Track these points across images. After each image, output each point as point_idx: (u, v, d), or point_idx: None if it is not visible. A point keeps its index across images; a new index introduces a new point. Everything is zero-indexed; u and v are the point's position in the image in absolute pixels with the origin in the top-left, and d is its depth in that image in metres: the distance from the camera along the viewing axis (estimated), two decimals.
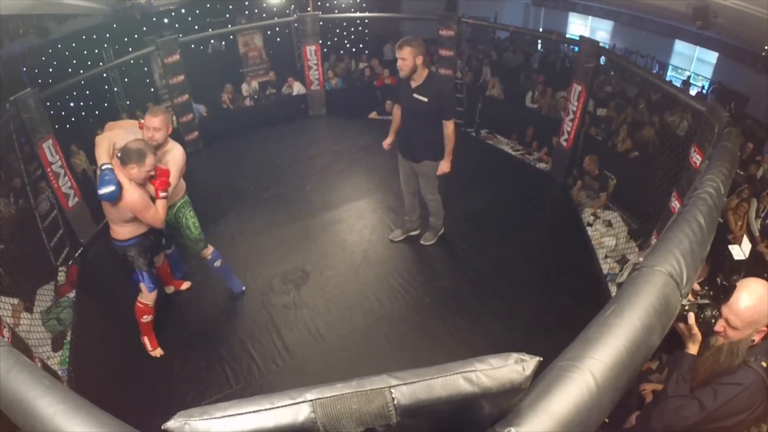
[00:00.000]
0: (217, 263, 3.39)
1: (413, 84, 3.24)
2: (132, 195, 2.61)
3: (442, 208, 3.88)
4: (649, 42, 9.41)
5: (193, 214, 3.15)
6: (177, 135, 5.81)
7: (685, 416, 1.49)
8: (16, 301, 3.54)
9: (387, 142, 3.68)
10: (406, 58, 3.10)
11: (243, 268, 3.85)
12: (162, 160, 2.78)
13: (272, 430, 0.78)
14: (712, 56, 8.59)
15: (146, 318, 3.10)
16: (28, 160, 4.29)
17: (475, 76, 7.85)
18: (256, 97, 7.42)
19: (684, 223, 1.52)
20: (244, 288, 3.60)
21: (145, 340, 3.19)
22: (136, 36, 7.28)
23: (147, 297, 3.02)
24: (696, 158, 3.22)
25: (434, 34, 6.13)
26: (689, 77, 9.10)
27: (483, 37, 10.51)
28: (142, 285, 2.98)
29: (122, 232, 2.79)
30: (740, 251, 3.25)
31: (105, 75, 7.22)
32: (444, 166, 3.45)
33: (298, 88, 7.14)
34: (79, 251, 4.37)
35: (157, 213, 2.68)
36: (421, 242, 4.03)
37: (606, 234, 4.55)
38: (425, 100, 3.21)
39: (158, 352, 3.20)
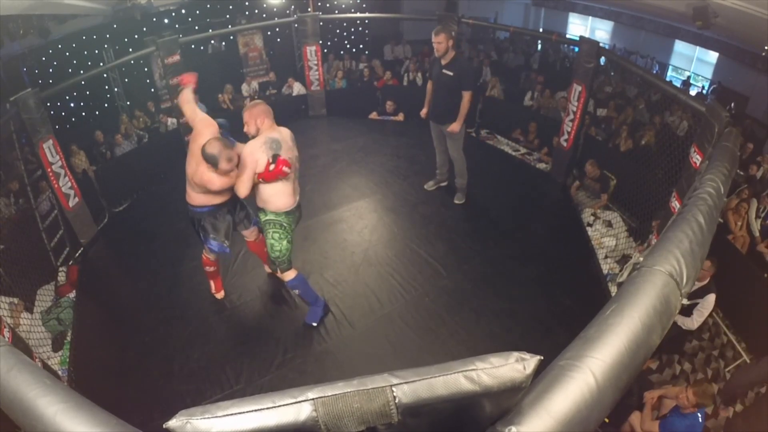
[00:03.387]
0: (296, 291, 3.23)
1: (443, 62, 4.02)
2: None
3: (466, 170, 4.56)
4: (649, 42, 9.41)
5: (278, 236, 2.95)
6: (177, 135, 5.86)
7: None
8: (16, 301, 3.54)
9: (424, 112, 4.41)
10: (442, 41, 3.87)
11: (243, 269, 3.86)
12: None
13: (274, 429, 0.78)
14: (712, 56, 8.59)
15: (208, 269, 3.44)
16: (28, 160, 4.29)
17: (474, 77, 7.84)
18: (256, 97, 7.42)
19: (684, 223, 1.53)
20: (315, 324, 3.30)
21: (211, 283, 3.58)
22: (136, 36, 7.28)
23: (208, 253, 3.29)
24: (696, 158, 3.22)
25: None
26: (689, 77, 9.10)
27: (483, 38, 10.51)
28: (206, 246, 3.19)
29: (196, 198, 2.90)
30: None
31: (105, 75, 7.23)
32: (454, 126, 4.15)
33: (298, 88, 7.14)
34: (80, 251, 4.37)
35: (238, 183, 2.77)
36: (455, 201, 4.70)
37: (606, 234, 4.55)
38: (451, 74, 4.00)
39: (220, 295, 3.59)
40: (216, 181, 2.71)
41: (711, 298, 3.16)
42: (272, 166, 2.70)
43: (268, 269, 3.77)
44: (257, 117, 2.77)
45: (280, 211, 2.90)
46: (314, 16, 6.39)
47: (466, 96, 4.02)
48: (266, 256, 3.39)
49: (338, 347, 3.19)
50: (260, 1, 8.48)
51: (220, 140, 2.64)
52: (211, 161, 2.62)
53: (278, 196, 2.86)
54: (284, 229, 2.95)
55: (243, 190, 2.75)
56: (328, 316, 3.40)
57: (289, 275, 3.10)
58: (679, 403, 2.71)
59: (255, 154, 2.70)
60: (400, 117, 6.70)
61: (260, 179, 2.74)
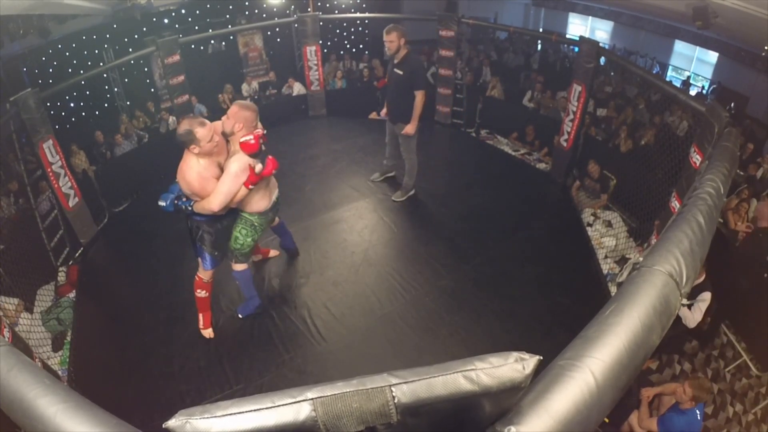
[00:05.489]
0: (238, 282, 3.29)
1: (395, 61, 4.05)
2: (189, 171, 2.64)
3: (416, 170, 4.54)
4: (649, 42, 9.41)
5: (246, 233, 2.98)
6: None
7: None
8: (16, 301, 3.54)
9: (383, 111, 4.52)
10: (393, 40, 3.94)
11: None
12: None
13: (273, 429, 0.78)
14: (712, 56, 8.59)
15: (201, 293, 3.14)
16: (28, 160, 4.29)
17: (475, 77, 7.85)
18: (256, 97, 7.42)
19: (684, 223, 1.53)
20: (242, 316, 3.39)
21: (200, 317, 3.26)
22: (136, 36, 7.29)
23: (203, 272, 3.07)
24: (696, 158, 3.22)
25: (434, 35, 6.13)
26: (689, 77, 9.10)
27: (483, 38, 10.50)
28: (200, 260, 3.02)
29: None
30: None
31: (105, 75, 7.23)
32: (408, 128, 4.17)
33: (298, 88, 7.14)
34: (80, 251, 4.37)
35: (210, 198, 2.65)
36: (392, 198, 4.68)
37: (606, 234, 4.55)
38: (401, 73, 4.02)
39: (209, 333, 3.27)
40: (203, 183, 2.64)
41: (707, 296, 3.18)
42: (259, 168, 2.66)
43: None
44: (242, 121, 2.66)
45: (253, 212, 2.96)
46: (314, 16, 6.39)
47: (419, 96, 4.01)
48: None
49: (338, 347, 3.19)
50: (260, 1, 8.48)
51: (186, 117, 2.62)
52: (187, 138, 2.52)
53: (251, 199, 2.89)
54: (254, 228, 3.02)
55: (216, 203, 2.65)
56: (328, 316, 3.41)
57: (239, 267, 3.15)
58: (676, 398, 2.72)
59: (240, 176, 2.64)
60: None
61: (247, 187, 2.70)
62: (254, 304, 3.40)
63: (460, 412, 0.89)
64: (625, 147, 5.59)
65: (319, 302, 3.52)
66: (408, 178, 4.58)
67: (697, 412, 2.66)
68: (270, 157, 2.73)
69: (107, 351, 3.32)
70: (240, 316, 3.39)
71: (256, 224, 3.01)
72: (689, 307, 3.21)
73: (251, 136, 2.61)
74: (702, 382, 2.66)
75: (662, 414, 2.85)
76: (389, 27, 3.95)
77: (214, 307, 3.51)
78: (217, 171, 2.71)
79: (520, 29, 8.42)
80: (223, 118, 2.70)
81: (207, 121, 2.59)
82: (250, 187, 2.70)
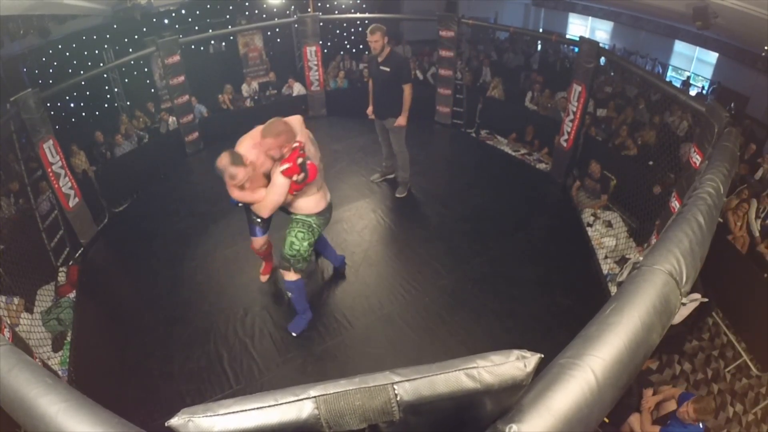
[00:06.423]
0: (289, 294, 3.16)
1: (380, 59, 4.17)
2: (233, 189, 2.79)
3: (409, 164, 4.68)
4: (649, 42, 9.41)
5: (302, 236, 2.88)
6: (177, 135, 5.85)
7: None
8: (16, 301, 3.54)
9: (369, 110, 4.55)
10: (378, 40, 4.05)
11: (243, 269, 3.86)
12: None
13: (276, 427, 0.79)
14: (712, 56, 8.59)
15: (258, 254, 3.48)
16: (30, 158, 4.29)
17: (474, 77, 7.85)
18: (256, 97, 7.42)
19: (684, 223, 1.53)
20: (295, 335, 3.23)
21: (263, 263, 3.66)
22: (136, 36, 7.29)
23: (255, 242, 3.30)
24: (696, 158, 3.23)
25: (434, 35, 6.13)
26: (689, 78, 9.10)
27: (483, 38, 10.50)
28: (252, 230, 3.24)
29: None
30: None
31: (105, 75, 7.22)
32: (400, 120, 4.31)
33: (298, 88, 7.14)
34: (80, 252, 4.37)
35: (258, 207, 2.78)
36: (396, 195, 4.78)
37: (606, 234, 4.55)
38: (387, 70, 4.15)
39: (265, 279, 3.68)
40: (235, 193, 2.76)
41: (696, 296, 3.19)
42: (301, 176, 2.64)
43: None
44: (272, 148, 2.62)
45: (311, 214, 2.90)
46: (314, 16, 6.40)
47: (407, 89, 4.17)
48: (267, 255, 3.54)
49: (338, 347, 3.19)
50: (260, 1, 8.48)
51: (230, 155, 2.61)
52: (220, 174, 2.66)
53: (307, 201, 2.86)
54: (311, 231, 2.91)
55: (265, 212, 2.78)
56: (328, 316, 3.41)
57: (292, 276, 2.99)
58: (680, 417, 2.72)
59: (284, 186, 2.66)
60: None
61: (292, 194, 2.73)
62: (307, 318, 3.24)
63: (461, 410, 0.89)
64: (631, 150, 5.57)
65: (320, 302, 3.52)
66: (403, 171, 4.70)
67: (700, 425, 2.68)
68: (310, 162, 2.69)
69: (107, 351, 3.32)
70: (294, 334, 3.21)
71: (314, 225, 2.90)
72: None
73: (289, 164, 2.61)
74: (706, 406, 2.64)
75: (662, 417, 2.86)
76: (373, 27, 4.04)
77: (215, 308, 3.53)
78: (264, 181, 2.78)
79: (520, 29, 8.43)
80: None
81: (242, 168, 2.60)
82: (294, 193, 2.74)
